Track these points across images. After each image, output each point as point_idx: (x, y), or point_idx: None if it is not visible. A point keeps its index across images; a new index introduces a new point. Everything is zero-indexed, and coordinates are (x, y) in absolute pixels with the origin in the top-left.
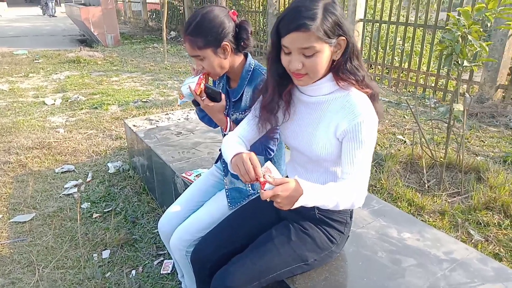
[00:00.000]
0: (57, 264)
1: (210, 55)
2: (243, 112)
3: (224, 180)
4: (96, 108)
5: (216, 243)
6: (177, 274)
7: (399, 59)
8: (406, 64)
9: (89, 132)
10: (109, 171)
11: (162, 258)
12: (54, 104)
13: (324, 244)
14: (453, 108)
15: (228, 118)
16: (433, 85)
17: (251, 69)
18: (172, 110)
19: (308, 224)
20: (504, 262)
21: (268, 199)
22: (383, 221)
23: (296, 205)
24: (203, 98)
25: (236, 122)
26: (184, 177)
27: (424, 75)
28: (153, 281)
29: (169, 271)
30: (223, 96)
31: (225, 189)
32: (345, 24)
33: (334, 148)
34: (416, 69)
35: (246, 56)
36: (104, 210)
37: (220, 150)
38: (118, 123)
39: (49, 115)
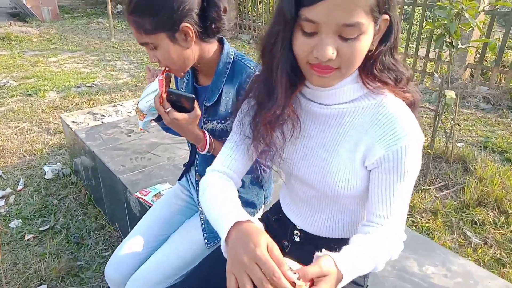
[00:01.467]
0: None
1: (165, 42)
2: (222, 121)
3: (199, 208)
4: (30, 95)
5: None
6: None
7: None
8: None
9: (21, 126)
10: (46, 176)
11: None
12: None
13: None
14: (444, 95)
15: (206, 133)
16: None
17: (231, 61)
18: (122, 97)
19: None
20: (508, 268)
21: None
22: None
23: None
24: (168, 109)
25: (213, 133)
26: (138, 197)
27: (401, 55)
28: None
29: None
30: (196, 103)
31: (201, 220)
32: None
33: (360, 181)
34: None
35: (221, 43)
36: (40, 229)
37: (184, 165)
38: (57, 113)
39: None
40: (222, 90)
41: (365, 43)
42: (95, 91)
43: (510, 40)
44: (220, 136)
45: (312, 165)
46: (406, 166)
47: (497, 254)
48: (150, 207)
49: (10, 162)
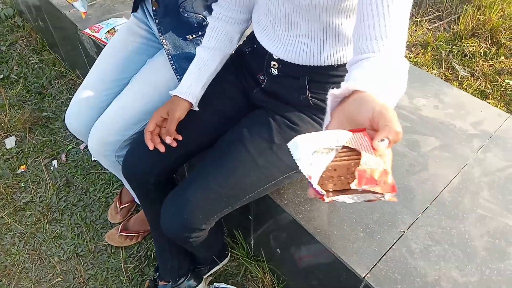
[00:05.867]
0: None
1: None
2: None
3: (163, 43)
4: None
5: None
6: None
7: None
8: None
9: None
10: None
11: None
12: None
13: None
14: None
15: None
16: None
17: None
18: None
19: (297, 115)
20: (490, 100)
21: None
22: None
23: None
24: None
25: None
26: (89, 34)
27: None
28: (84, 172)
29: None
30: None
31: (169, 58)
32: None
33: None
34: None
35: None
36: None
37: None
38: None
39: None
40: None
41: None
42: None
43: None
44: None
45: None
46: None
47: (482, 86)
48: (105, 45)
49: None
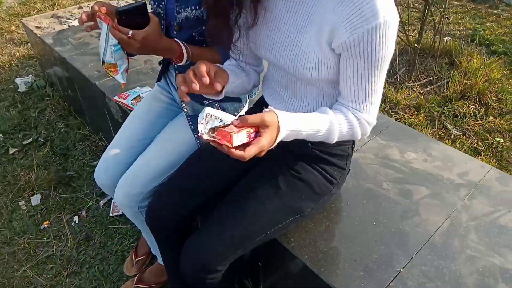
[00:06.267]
0: None
1: None
2: (196, 7)
3: (183, 107)
4: None
5: (178, 196)
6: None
7: None
8: None
9: None
10: (19, 90)
11: (109, 197)
12: None
13: (322, 188)
14: None
15: (178, 41)
16: None
17: None
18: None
19: (299, 164)
20: (483, 156)
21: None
22: (381, 139)
23: (274, 145)
24: (129, 33)
25: (188, 23)
26: (118, 101)
27: None
28: (103, 227)
29: (120, 213)
30: (151, 15)
31: (187, 119)
32: None
33: (331, 65)
34: None
35: None
36: (23, 143)
37: (160, 63)
38: (19, 22)
39: None
40: None
41: None
42: None
43: None
44: (197, 25)
45: (283, 49)
46: (376, 50)
47: (474, 144)
48: (131, 111)
49: None
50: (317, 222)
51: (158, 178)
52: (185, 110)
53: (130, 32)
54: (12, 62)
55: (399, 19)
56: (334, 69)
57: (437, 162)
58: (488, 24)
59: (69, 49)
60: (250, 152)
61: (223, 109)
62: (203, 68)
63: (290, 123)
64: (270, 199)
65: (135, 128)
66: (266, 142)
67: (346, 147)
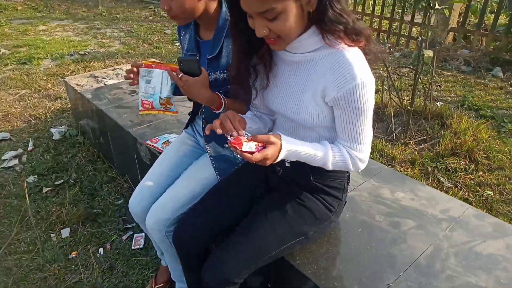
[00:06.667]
0: (9, 250)
1: None
2: (224, 71)
3: (207, 149)
4: (24, 63)
5: (201, 222)
6: (154, 250)
7: (353, 2)
8: (360, 7)
9: (22, 93)
10: (53, 138)
11: (131, 232)
12: None
13: (323, 215)
14: (423, 54)
15: (219, 94)
16: (386, 29)
17: (228, 18)
18: (116, 63)
19: (303, 194)
20: (474, 205)
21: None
22: (374, 181)
23: (277, 159)
24: (180, 75)
25: (216, 83)
26: (149, 145)
27: (378, 19)
28: (125, 258)
29: (141, 246)
30: (203, 69)
31: (210, 159)
32: None
33: (326, 115)
34: (370, 12)
35: (220, 2)
36: (55, 183)
37: (189, 114)
38: (55, 80)
39: None
40: (223, 44)
41: (287, 18)
42: (89, 59)
43: (494, 4)
44: (224, 84)
45: (288, 104)
46: (358, 103)
47: (466, 195)
48: (159, 153)
49: (17, 126)
50: (319, 245)
51: (183, 207)
52: (208, 151)
53: (181, 75)
54: (47, 114)
55: (374, 80)
56: (328, 118)
57: (422, 201)
58: (476, 92)
59: (105, 103)
60: (256, 157)
61: None
62: (233, 116)
63: (291, 144)
64: (279, 223)
65: (165, 166)
66: (269, 152)
67: (342, 181)
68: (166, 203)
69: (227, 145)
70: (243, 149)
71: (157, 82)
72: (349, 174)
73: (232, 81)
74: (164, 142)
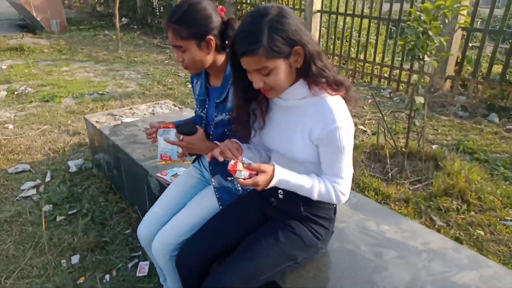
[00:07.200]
0: (21, 274)
1: (193, 48)
2: (229, 113)
3: (212, 181)
4: (47, 101)
5: (202, 246)
6: (158, 278)
7: (356, 50)
8: (362, 55)
9: (43, 128)
10: (70, 170)
11: (136, 260)
12: None
13: (311, 241)
14: (415, 100)
15: (216, 143)
16: (387, 75)
17: None
18: (132, 103)
19: (294, 222)
20: (465, 244)
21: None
22: (362, 215)
23: (269, 185)
24: (181, 138)
25: (222, 123)
26: (159, 177)
27: (379, 66)
28: (129, 285)
29: (145, 273)
30: (198, 127)
31: (214, 190)
32: (299, 31)
33: (312, 151)
34: (372, 60)
35: (227, 55)
36: (69, 212)
37: None
38: (75, 117)
39: None
40: (229, 90)
41: (279, 73)
42: (107, 98)
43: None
44: (229, 124)
45: (281, 141)
46: (337, 142)
47: (457, 234)
48: (168, 184)
49: (37, 158)
50: (308, 270)
51: (187, 234)
52: (213, 183)
53: (182, 137)
54: (66, 148)
55: (352, 124)
56: (314, 154)
57: (405, 234)
58: (472, 136)
59: (121, 139)
60: (247, 182)
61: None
62: (231, 145)
63: (283, 174)
64: (272, 248)
65: (173, 196)
66: (259, 179)
67: (329, 212)
68: (171, 230)
69: (230, 178)
70: (237, 175)
71: (165, 146)
72: (336, 206)
73: (234, 122)
74: (173, 175)
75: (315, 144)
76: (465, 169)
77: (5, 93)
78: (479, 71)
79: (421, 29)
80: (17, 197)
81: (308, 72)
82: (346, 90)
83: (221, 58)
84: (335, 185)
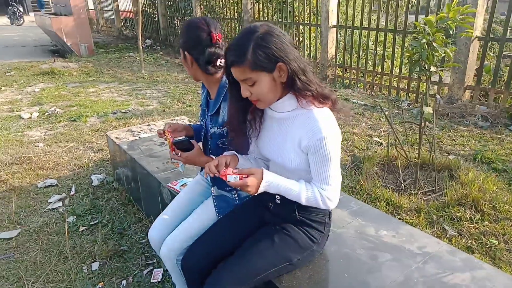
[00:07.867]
0: (47, 279)
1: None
2: (220, 127)
3: (212, 190)
4: (74, 120)
5: (205, 250)
6: (170, 283)
7: (373, 63)
8: (379, 67)
9: (70, 145)
10: (92, 184)
11: (151, 267)
12: (30, 117)
13: (306, 244)
14: (424, 111)
15: (212, 157)
16: (405, 87)
17: (227, 85)
18: (152, 120)
19: (289, 226)
20: (476, 254)
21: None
22: (362, 221)
23: (259, 191)
24: (179, 154)
25: (215, 136)
26: (170, 187)
27: (397, 78)
28: None
29: (159, 280)
30: (193, 142)
31: (213, 198)
32: (284, 49)
33: (303, 160)
34: (389, 72)
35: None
36: (91, 223)
37: None
38: (99, 135)
39: (27, 129)
40: (220, 105)
41: (262, 85)
42: (129, 116)
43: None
44: (220, 137)
45: (274, 150)
46: (324, 151)
47: (469, 243)
48: (177, 193)
49: (63, 173)
50: (303, 271)
51: (192, 239)
52: (213, 192)
53: (180, 153)
54: (90, 164)
55: (338, 134)
56: (304, 162)
57: (402, 238)
58: (491, 146)
59: (138, 153)
60: (236, 183)
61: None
62: (221, 161)
63: (271, 178)
64: (268, 249)
65: (181, 203)
66: (248, 181)
67: (324, 216)
68: (178, 235)
69: (228, 188)
70: (228, 179)
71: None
72: (330, 211)
73: (229, 131)
74: (182, 185)
75: (305, 153)
76: (480, 179)
77: (37, 114)
78: (501, 80)
79: (425, 40)
80: (45, 209)
81: (294, 87)
82: (333, 103)
83: (210, 76)
84: (322, 191)
